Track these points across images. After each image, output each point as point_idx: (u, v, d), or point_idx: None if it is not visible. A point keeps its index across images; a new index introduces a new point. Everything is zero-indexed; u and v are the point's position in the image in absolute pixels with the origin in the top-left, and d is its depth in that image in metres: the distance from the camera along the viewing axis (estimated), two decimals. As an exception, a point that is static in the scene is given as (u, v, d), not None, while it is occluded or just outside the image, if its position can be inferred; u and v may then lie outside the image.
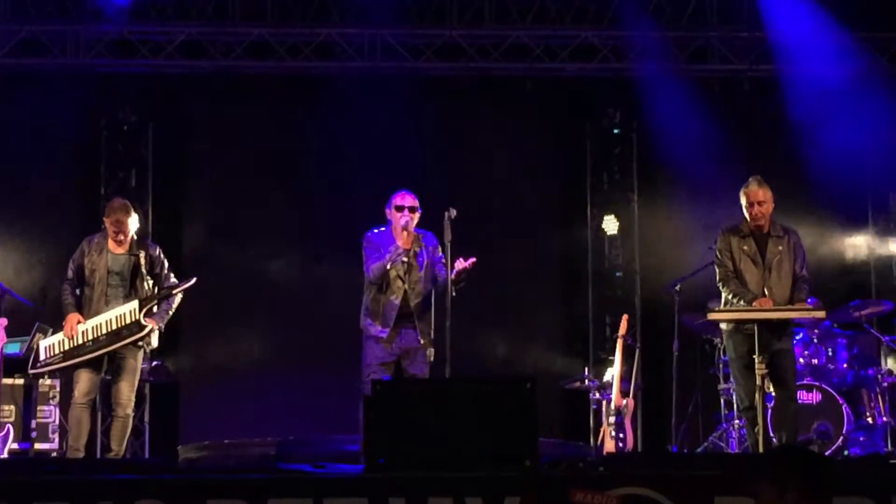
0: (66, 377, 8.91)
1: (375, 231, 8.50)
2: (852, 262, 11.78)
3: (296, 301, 11.39)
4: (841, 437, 9.53)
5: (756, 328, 7.96)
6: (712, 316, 8.34)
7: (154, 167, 11.72)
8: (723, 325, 8.39)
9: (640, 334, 11.17)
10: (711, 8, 11.59)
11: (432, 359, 8.21)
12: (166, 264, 8.49)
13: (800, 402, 8.99)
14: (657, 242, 11.76)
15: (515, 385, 6.45)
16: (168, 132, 11.87)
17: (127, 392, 8.25)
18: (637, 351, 10.27)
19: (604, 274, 11.98)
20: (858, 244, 11.78)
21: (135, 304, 8.18)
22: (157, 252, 8.48)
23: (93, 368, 8.19)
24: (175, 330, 10.38)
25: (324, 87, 11.45)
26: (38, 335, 8.60)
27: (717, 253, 8.33)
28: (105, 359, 8.16)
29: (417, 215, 8.42)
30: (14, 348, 9.22)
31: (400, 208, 8.40)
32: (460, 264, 8.04)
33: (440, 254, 8.38)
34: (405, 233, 8.37)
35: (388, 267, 8.28)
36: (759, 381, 7.93)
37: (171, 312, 8.40)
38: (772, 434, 8.41)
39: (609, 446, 9.76)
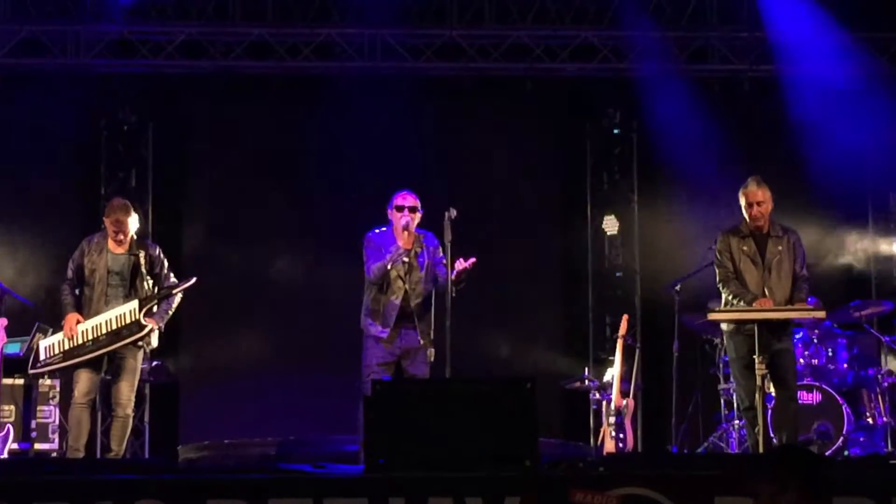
0: (66, 377, 8.91)
1: (376, 231, 8.50)
2: (852, 262, 11.77)
3: (296, 301, 11.39)
4: (841, 438, 9.53)
5: (756, 328, 7.96)
6: (712, 316, 8.34)
7: (154, 167, 11.72)
8: (723, 326, 8.39)
9: (640, 334, 11.17)
10: (711, 8, 11.58)
11: (432, 359, 8.20)
12: (166, 264, 8.49)
13: (800, 402, 8.98)
14: (657, 242, 11.76)
15: (515, 385, 6.46)
16: (168, 132, 11.87)
17: (127, 392, 8.25)
18: (637, 351, 10.27)
19: (604, 274, 11.98)
20: (858, 244, 11.77)
21: (135, 303, 8.18)
22: (157, 252, 8.48)
23: (93, 368, 8.18)
24: (175, 330, 10.38)
25: (324, 87, 11.45)
26: (38, 335, 8.60)
27: (717, 254, 8.33)
28: (105, 359, 8.16)
29: (418, 216, 8.42)
30: (14, 348, 9.22)
31: (400, 208, 8.40)
32: (460, 265, 8.04)
33: (441, 254, 8.38)
34: (406, 233, 8.37)
35: (389, 267, 8.28)
36: (759, 382, 7.93)
37: (170, 312, 8.39)
38: (772, 434, 8.41)
39: (609, 446, 9.75)
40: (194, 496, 5.90)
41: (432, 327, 8.27)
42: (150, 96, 11.72)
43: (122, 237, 8.31)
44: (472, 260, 8.07)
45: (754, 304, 8.05)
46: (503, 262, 11.34)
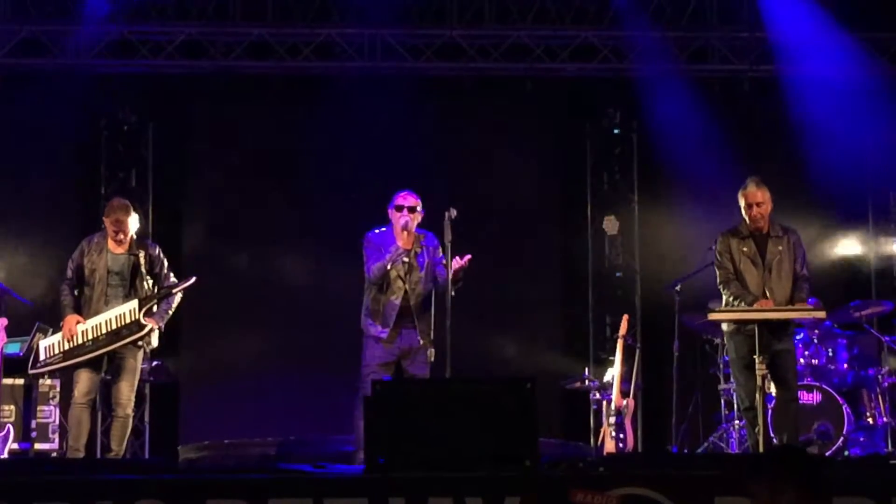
0: (66, 377, 8.90)
1: (376, 231, 8.50)
2: (852, 262, 11.77)
3: (296, 301, 11.39)
4: (841, 438, 9.52)
5: (756, 329, 7.96)
6: (713, 316, 8.33)
7: (154, 167, 11.72)
8: (724, 326, 8.39)
9: (641, 334, 11.16)
10: (711, 8, 11.58)
11: (432, 359, 8.20)
12: (166, 264, 8.49)
13: (800, 402, 8.98)
14: (657, 242, 11.76)
15: (515, 385, 6.46)
16: (168, 132, 11.87)
17: (127, 392, 8.25)
18: (637, 351, 10.27)
19: (604, 274, 11.98)
20: (858, 244, 11.77)
21: (134, 303, 8.18)
22: (157, 252, 8.48)
23: (93, 368, 8.18)
24: (175, 330, 10.37)
25: (324, 87, 11.45)
26: (38, 335, 8.60)
27: (717, 255, 8.33)
28: (105, 359, 8.15)
29: (418, 216, 8.42)
30: (14, 348, 9.22)
31: (400, 208, 8.41)
32: (456, 263, 8.04)
33: (441, 254, 8.38)
34: (405, 233, 8.38)
35: (389, 267, 8.29)
36: (759, 382, 7.93)
37: (170, 312, 8.39)
38: (772, 434, 8.41)
39: (609, 446, 9.75)
40: (194, 496, 5.90)
41: (432, 327, 8.26)
42: (150, 96, 11.72)
43: (122, 237, 8.31)
44: (468, 257, 8.07)
45: (755, 305, 8.05)
46: (503, 262, 11.34)
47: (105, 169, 11.62)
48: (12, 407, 9.62)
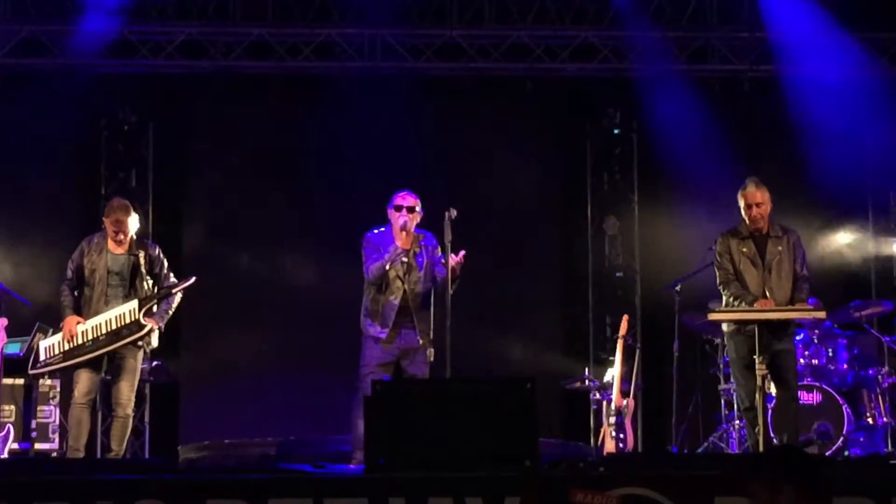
0: (66, 377, 8.90)
1: (375, 231, 8.50)
2: (852, 262, 11.77)
3: (296, 301, 11.39)
4: (841, 438, 9.53)
5: (756, 329, 7.96)
6: (713, 316, 8.33)
7: (154, 167, 11.72)
8: (724, 326, 8.39)
9: (641, 334, 11.17)
10: (711, 8, 11.58)
11: (432, 359, 8.20)
12: (166, 264, 8.48)
13: (800, 402, 8.98)
14: (657, 243, 11.75)
15: (515, 385, 6.46)
16: (168, 132, 11.87)
17: (127, 392, 8.25)
18: (637, 351, 10.27)
19: (604, 274, 11.98)
20: (858, 244, 11.77)
21: (134, 303, 8.18)
22: (157, 252, 8.48)
23: (93, 368, 8.18)
24: (175, 330, 10.38)
25: (324, 87, 11.45)
26: (38, 335, 8.60)
27: (717, 256, 8.34)
28: (105, 359, 8.15)
29: (418, 216, 8.41)
30: (14, 348, 9.22)
31: (399, 208, 8.40)
32: (452, 261, 8.03)
33: (440, 254, 8.37)
34: (404, 233, 8.38)
35: (387, 267, 8.28)
36: (759, 382, 7.93)
37: (170, 312, 8.39)
38: (772, 434, 8.41)
39: (609, 446, 9.75)
40: (194, 496, 5.91)
41: (431, 327, 8.26)
42: (150, 96, 11.72)
43: (122, 237, 8.31)
44: (462, 253, 8.06)
45: (755, 305, 8.05)
46: (503, 262, 11.35)
47: (105, 169, 11.62)
48: (12, 407, 9.62)
